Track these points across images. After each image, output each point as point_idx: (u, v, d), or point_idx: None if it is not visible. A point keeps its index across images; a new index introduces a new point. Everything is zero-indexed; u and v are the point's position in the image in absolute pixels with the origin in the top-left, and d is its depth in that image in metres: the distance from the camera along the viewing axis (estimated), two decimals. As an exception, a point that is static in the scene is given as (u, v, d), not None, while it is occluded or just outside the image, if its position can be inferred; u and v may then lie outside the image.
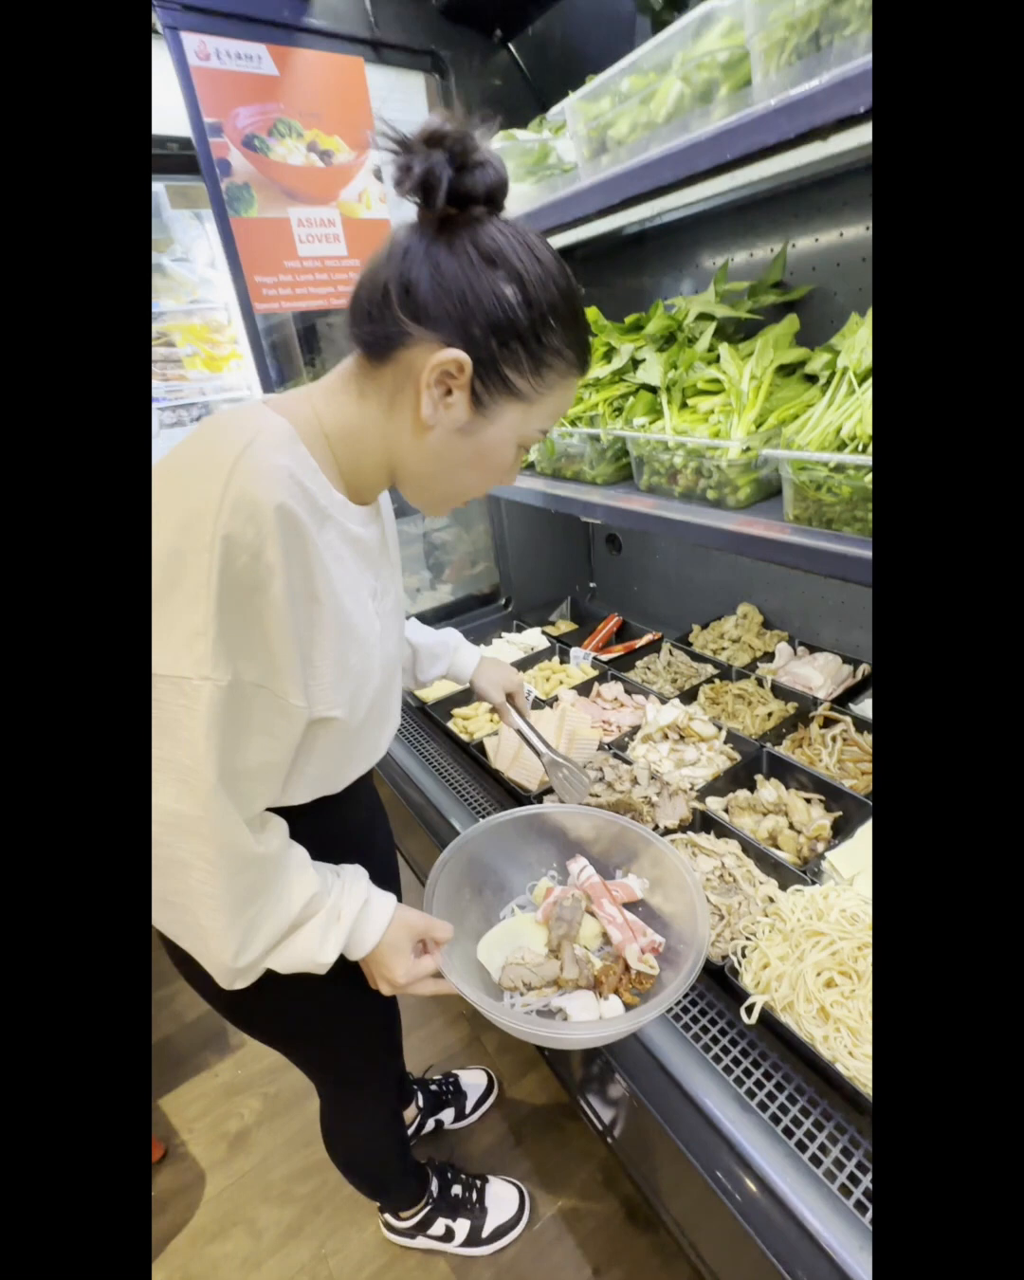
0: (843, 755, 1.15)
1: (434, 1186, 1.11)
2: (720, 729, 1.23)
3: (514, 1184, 1.16)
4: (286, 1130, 1.31)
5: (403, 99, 1.49)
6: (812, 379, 1.02)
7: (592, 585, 2.21)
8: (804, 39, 0.65)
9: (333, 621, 0.54)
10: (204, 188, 1.90)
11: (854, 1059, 0.65)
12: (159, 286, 2.13)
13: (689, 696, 1.38)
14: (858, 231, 1.13)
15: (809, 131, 0.62)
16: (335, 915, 0.59)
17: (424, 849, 1.31)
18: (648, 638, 1.69)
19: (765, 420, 0.95)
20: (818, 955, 0.72)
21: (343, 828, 0.72)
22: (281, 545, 0.46)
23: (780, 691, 1.35)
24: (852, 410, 0.79)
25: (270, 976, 0.58)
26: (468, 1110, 1.29)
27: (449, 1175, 1.14)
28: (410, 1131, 1.23)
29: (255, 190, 1.33)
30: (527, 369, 0.53)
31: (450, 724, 1.43)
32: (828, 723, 1.23)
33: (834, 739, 1.18)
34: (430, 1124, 1.27)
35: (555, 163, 1.10)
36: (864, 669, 1.38)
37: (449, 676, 1.02)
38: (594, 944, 0.82)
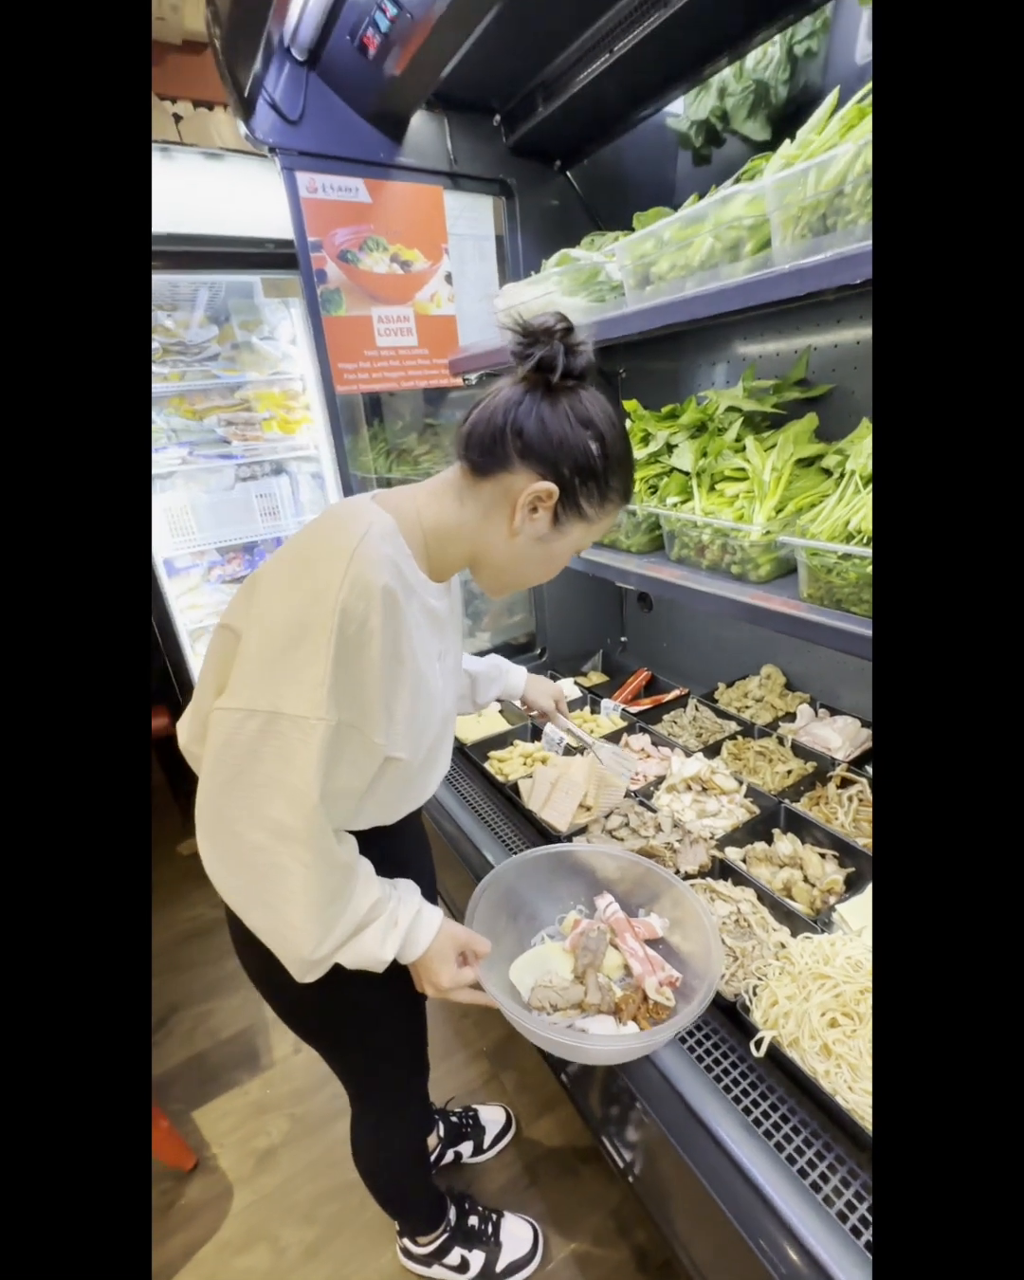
0: (858, 815, 1.22)
1: (452, 1215, 1.15)
2: (741, 783, 1.31)
3: (529, 1222, 1.19)
4: (312, 1152, 1.36)
5: (473, 217, 1.72)
6: (828, 471, 1.14)
7: (623, 640, 2.32)
8: (814, 218, 0.80)
9: (410, 677, 0.66)
10: (293, 280, 2.18)
11: (853, 1093, 0.71)
12: (246, 360, 2.41)
13: (712, 751, 1.46)
14: (852, 335, 1.28)
15: (816, 292, 0.76)
16: (393, 921, 0.70)
17: (461, 884, 1.39)
18: (675, 693, 1.79)
19: (785, 507, 1.07)
20: (823, 997, 0.79)
21: (392, 857, 0.82)
22: (382, 616, 0.60)
23: (800, 751, 1.43)
24: (858, 507, 0.91)
25: (326, 982, 0.69)
26: (486, 1145, 1.33)
27: (467, 1205, 1.18)
28: (431, 1158, 1.27)
29: (344, 294, 1.55)
30: (595, 500, 0.70)
31: (487, 765, 1.53)
32: (845, 783, 1.30)
33: (850, 799, 1.25)
34: (449, 1155, 1.31)
35: (604, 280, 1.27)
36: (882, 732, 1.45)
37: (504, 695, 1.19)
38: (616, 975, 0.90)
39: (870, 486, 0.92)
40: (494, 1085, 1.50)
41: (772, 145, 1.41)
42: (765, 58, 1.40)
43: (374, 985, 0.76)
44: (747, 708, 1.66)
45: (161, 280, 2.18)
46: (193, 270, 2.12)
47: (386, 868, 0.76)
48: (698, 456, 1.26)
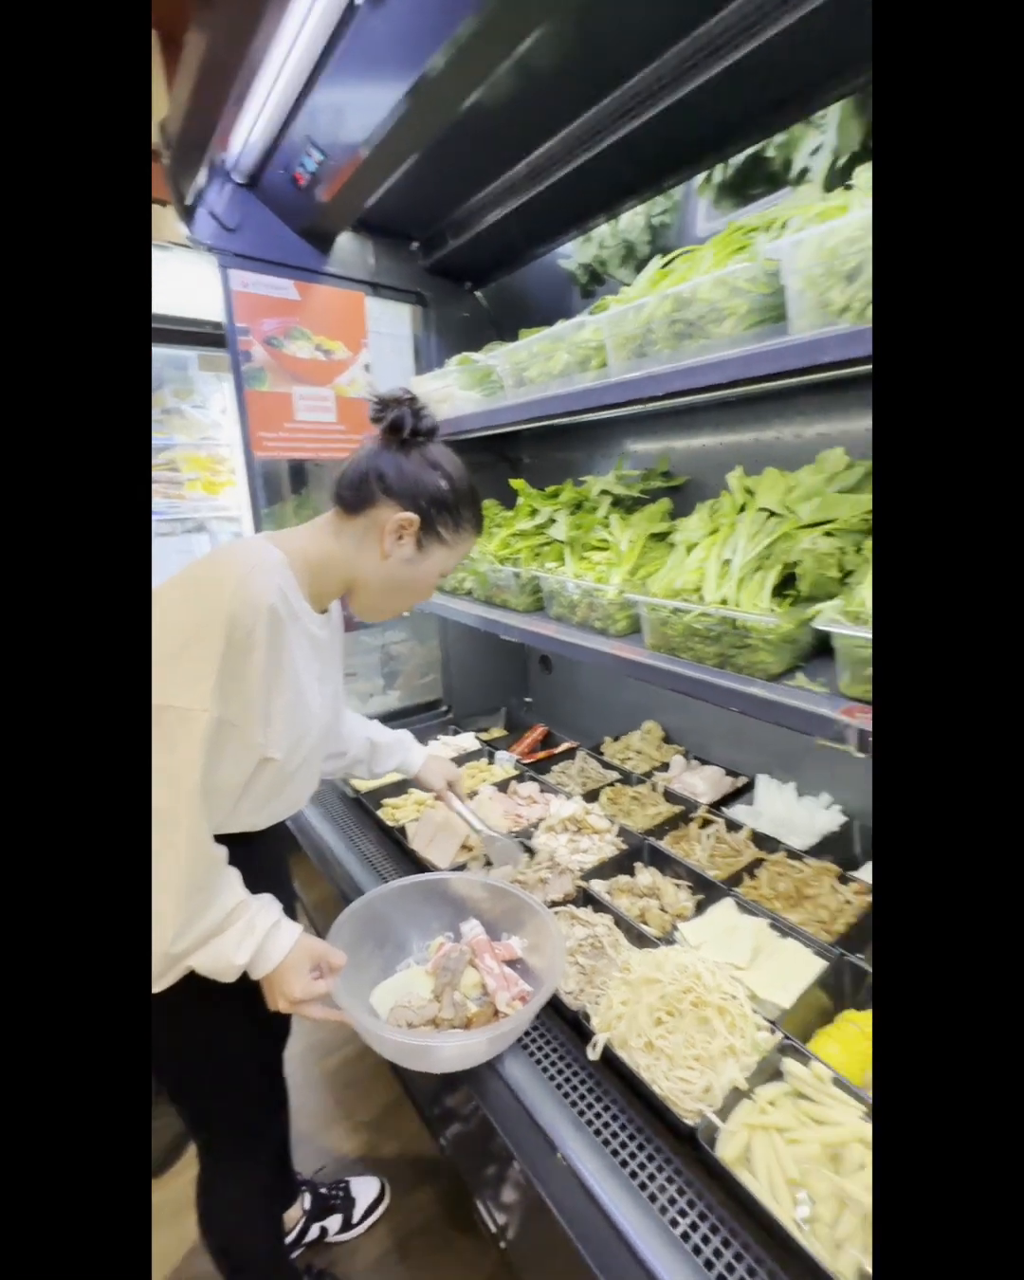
0: (714, 850, 1.34)
1: (307, 1296, 1.08)
2: (613, 823, 1.41)
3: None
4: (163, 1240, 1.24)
5: (392, 319, 1.97)
6: (673, 544, 1.34)
7: (528, 700, 2.45)
8: (636, 345, 1.02)
9: (289, 687, 0.76)
10: (225, 357, 2.35)
11: (668, 1081, 0.78)
12: (176, 425, 2.52)
13: (591, 797, 1.57)
14: (709, 440, 1.53)
15: (634, 399, 0.97)
16: (250, 927, 0.74)
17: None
18: (566, 746, 1.90)
19: (638, 571, 1.25)
20: (651, 998, 0.86)
21: (255, 868, 0.86)
22: (266, 630, 0.70)
23: (671, 796, 1.55)
24: (684, 570, 1.09)
25: (172, 1009, 0.71)
26: (355, 1220, 1.26)
27: (325, 1287, 1.11)
28: (292, 1235, 1.19)
29: (268, 372, 1.71)
30: (451, 526, 0.84)
31: (379, 812, 1.57)
32: (705, 823, 1.42)
33: (708, 836, 1.37)
34: (314, 1230, 1.22)
35: (496, 380, 1.49)
36: (743, 780, 1.60)
37: (400, 769, 1.23)
38: (474, 993, 0.94)
39: (696, 550, 1.10)
40: (372, 1158, 1.43)
41: (636, 287, 1.72)
42: (632, 223, 1.73)
43: (223, 1016, 0.79)
44: (628, 759, 1.79)
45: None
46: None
47: (248, 881, 0.80)
48: (572, 529, 1.45)
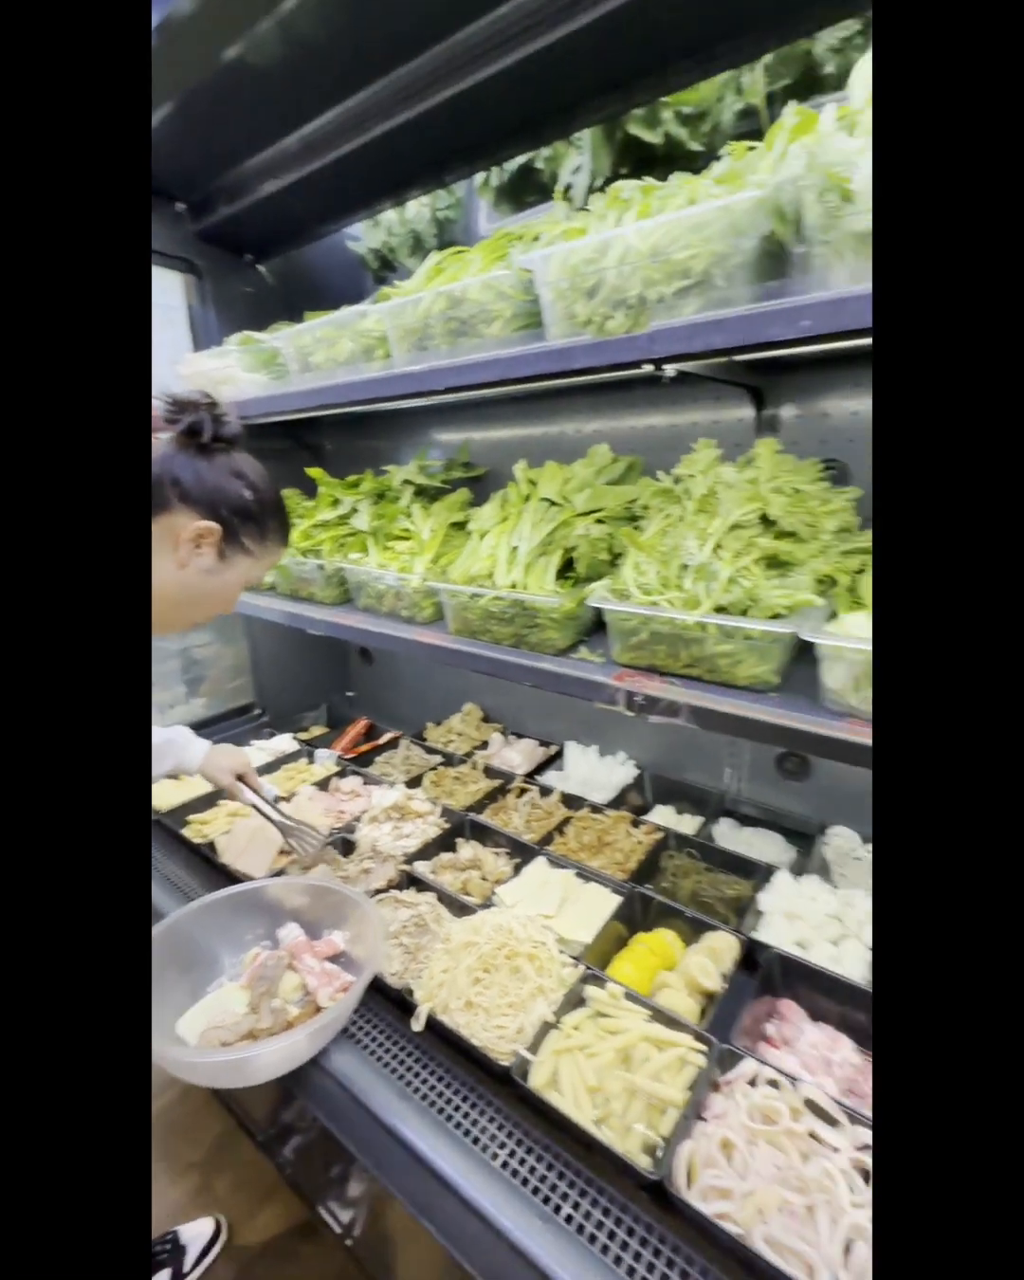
0: (530, 816, 1.44)
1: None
2: (435, 805, 1.45)
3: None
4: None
5: (160, 286, 1.77)
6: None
7: (350, 694, 2.39)
8: (417, 338, 1.04)
9: None
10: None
11: (486, 1031, 0.84)
12: None
13: (415, 782, 1.59)
14: (505, 433, 1.62)
15: (415, 392, 1.00)
16: None
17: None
18: (389, 736, 1.91)
19: (440, 560, 1.29)
20: (469, 960, 0.92)
21: None
22: None
23: (490, 772, 1.64)
24: (480, 557, 1.15)
25: None
26: (188, 1268, 1.17)
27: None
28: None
29: (1, 339, 1.45)
30: (256, 537, 0.82)
31: (184, 830, 1.45)
32: (522, 792, 1.52)
33: (524, 804, 1.47)
34: (137, 1292, 1.12)
35: (282, 363, 1.43)
36: (554, 748, 1.73)
37: (177, 769, 1.13)
38: (296, 995, 0.92)
39: (488, 537, 1.17)
40: (206, 1196, 1.34)
41: (424, 279, 1.75)
42: (419, 214, 1.75)
43: None
44: (451, 742, 1.84)
45: None
46: None
47: None
48: (374, 520, 1.44)
